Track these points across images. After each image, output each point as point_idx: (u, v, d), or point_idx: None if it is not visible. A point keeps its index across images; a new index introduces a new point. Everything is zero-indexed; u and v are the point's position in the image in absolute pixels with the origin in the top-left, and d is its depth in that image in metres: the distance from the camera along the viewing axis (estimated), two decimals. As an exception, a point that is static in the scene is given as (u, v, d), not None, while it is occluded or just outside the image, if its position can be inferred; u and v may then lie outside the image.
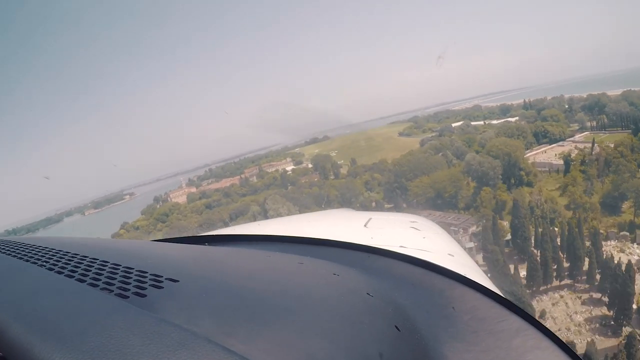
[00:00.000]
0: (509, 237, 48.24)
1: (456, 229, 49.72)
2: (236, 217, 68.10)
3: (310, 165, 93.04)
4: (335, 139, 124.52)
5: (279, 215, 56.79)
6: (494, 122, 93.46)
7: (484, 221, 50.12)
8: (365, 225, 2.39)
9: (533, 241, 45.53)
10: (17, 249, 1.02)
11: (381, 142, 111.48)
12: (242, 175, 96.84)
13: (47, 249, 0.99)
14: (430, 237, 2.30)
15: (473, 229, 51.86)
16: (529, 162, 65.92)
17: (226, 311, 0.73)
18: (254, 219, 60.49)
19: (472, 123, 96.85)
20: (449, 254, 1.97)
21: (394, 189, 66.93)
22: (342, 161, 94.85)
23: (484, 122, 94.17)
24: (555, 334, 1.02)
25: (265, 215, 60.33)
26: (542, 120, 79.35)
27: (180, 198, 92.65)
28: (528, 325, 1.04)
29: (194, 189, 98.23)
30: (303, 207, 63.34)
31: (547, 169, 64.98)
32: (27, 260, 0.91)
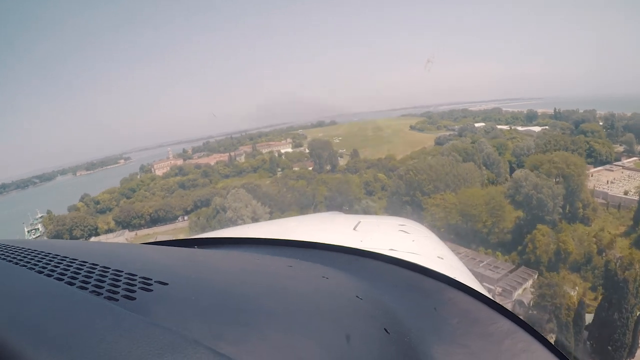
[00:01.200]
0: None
1: (493, 278, 33.73)
2: (197, 208, 60.72)
3: (307, 150, 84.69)
4: (343, 125, 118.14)
5: (239, 216, 48.88)
6: (519, 128, 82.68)
7: (537, 277, 33.39)
8: (354, 229, 2.38)
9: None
10: (7, 252, 1.01)
11: (390, 134, 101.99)
12: (232, 153, 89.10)
13: (36, 252, 0.98)
14: (419, 240, 2.32)
15: (526, 285, 34.36)
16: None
17: (215, 314, 0.73)
18: (215, 214, 52.49)
19: (497, 126, 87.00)
20: (439, 257, 2.00)
21: (404, 204, 49.01)
22: (344, 150, 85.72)
23: (510, 127, 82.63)
24: (545, 336, 1.02)
25: (224, 213, 50.52)
26: (580, 134, 63.70)
27: (162, 170, 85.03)
28: (518, 327, 1.05)
29: (180, 161, 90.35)
30: (277, 209, 50.65)
31: (603, 201, 47.35)
32: (17, 263, 0.90)
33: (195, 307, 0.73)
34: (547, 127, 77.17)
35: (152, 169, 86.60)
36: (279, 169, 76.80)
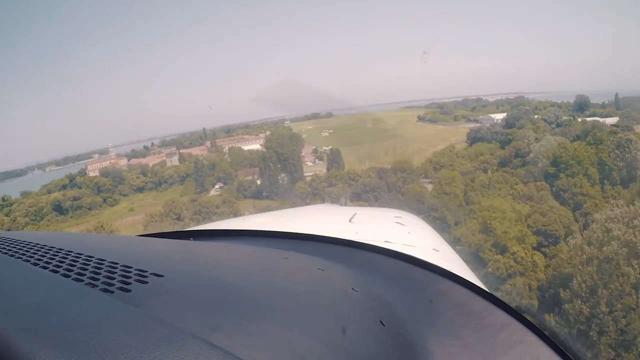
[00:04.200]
0: None
1: None
2: None
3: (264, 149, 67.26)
4: (339, 117, 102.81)
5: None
6: (599, 119, 60.13)
7: None
8: (350, 221, 2.36)
9: None
10: (2, 244, 1.01)
11: (395, 127, 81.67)
12: (167, 151, 70.26)
13: (32, 244, 0.98)
14: (415, 232, 2.31)
15: None
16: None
17: (211, 306, 0.73)
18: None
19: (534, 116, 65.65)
20: (434, 249, 1.98)
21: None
22: (330, 147, 65.52)
23: (572, 118, 60.28)
24: (540, 328, 1.03)
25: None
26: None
27: (94, 172, 65.59)
28: (513, 319, 1.04)
29: (123, 160, 70.85)
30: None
31: None
32: (12, 256, 0.90)
33: (190, 299, 0.73)
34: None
35: (87, 171, 67.43)
36: (202, 187, 56.72)
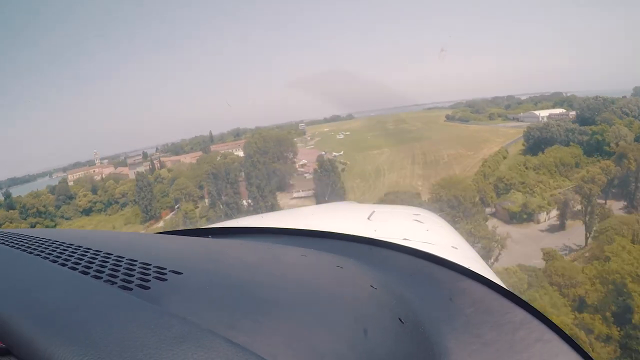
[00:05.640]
0: None
1: None
2: None
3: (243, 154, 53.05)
4: (360, 119, 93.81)
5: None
6: None
7: None
8: (368, 218, 2.37)
9: None
10: (20, 241, 1.03)
11: (420, 128, 70.62)
12: (130, 162, 59.51)
13: (50, 241, 0.99)
14: (433, 230, 2.29)
15: None
16: None
17: (230, 304, 0.73)
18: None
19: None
20: (453, 247, 1.98)
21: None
22: (341, 153, 54.31)
23: None
24: (560, 327, 1.04)
25: None
26: None
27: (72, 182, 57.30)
28: (532, 317, 1.05)
29: (109, 169, 62.46)
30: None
31: None
32: (31, 253, 0.91)
33: (209, 296, 0.73)
34: None
35: (67, 181, 59.37)
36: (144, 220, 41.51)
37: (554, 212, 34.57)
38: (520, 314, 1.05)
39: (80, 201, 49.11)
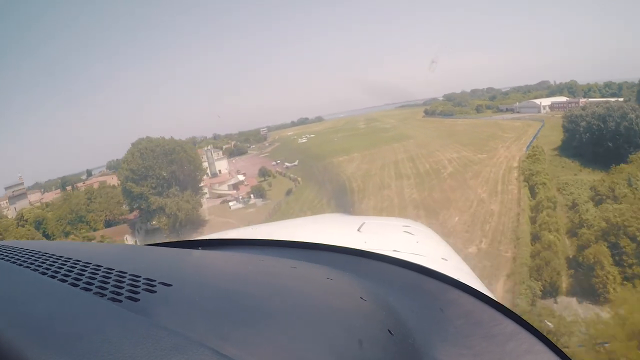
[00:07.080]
0: None
1: None
2: None
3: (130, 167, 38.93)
4: (327, 122, 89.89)
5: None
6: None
7: None
8: (358, 230, 2.38)
9: None
10: (10, 253, 1.02)
11: (396, 125, 59.21)
12: (8, 194, 47.12)
13: (40, 253, 0.98)
14: (423, 242, 2.31)
15: None
16: None
17: (219, 315, 0.73)
18: None
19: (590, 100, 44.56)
20: (443, 258, 1.99)
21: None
22: (295, 163, 42.68)
23: None
24: (549, 338, 1.03)
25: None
26: None
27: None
28: (522, 329, 1.05)
29: (36, 194, 49.80)
30: None
31: None
32: (21, 265, 0.90)
33: (199, 308, 0.74)
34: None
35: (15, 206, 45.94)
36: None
37: None
38: (511, 325, 1.05)
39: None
